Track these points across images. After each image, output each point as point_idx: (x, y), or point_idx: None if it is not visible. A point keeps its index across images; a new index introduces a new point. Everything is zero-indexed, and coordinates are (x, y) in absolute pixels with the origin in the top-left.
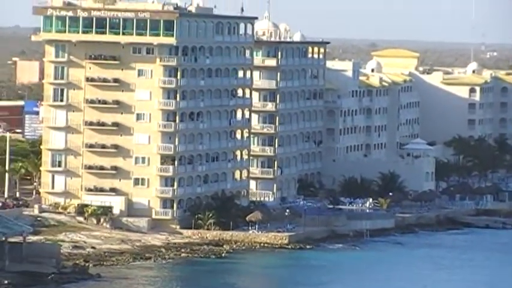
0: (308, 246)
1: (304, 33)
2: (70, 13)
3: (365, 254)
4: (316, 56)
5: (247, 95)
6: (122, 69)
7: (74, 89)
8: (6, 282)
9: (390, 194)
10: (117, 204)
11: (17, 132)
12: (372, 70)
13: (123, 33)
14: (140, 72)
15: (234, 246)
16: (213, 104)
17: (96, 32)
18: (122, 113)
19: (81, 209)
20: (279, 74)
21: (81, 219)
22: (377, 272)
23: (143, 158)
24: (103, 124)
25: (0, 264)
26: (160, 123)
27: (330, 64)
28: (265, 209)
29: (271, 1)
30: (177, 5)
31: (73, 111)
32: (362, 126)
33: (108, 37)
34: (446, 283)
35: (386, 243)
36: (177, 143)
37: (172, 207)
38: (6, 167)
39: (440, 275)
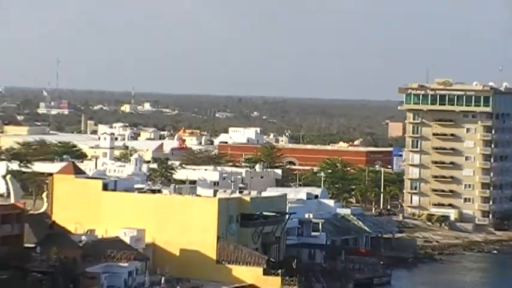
0: None
1: None
2: (422, 92)
3: None
4: None
5: None
6: (456, 128)
7: (425, 140)
8: (382, 263)
9: None
10: (452, 214)
11: (388, 168)
12: None
13: (457, 105)
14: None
15: None
16: None
17: (439, 104)
18: None
19: (429, 217)
20: None
21: (429, 223)
22: None
23: None
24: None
25: (377, 251)
26: None
27: None
28: None
29: None
30: None
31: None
32: None
33: (446, 107)
34: None
35: None
36: None
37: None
38: (381, 190)
39: None
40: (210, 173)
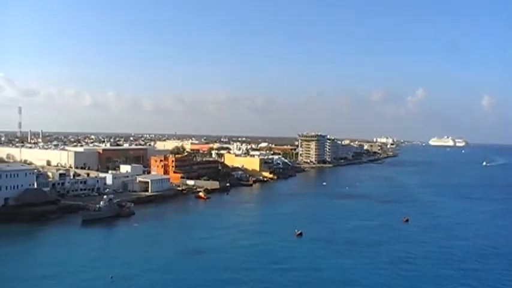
0: None
1: None
2: (302, 134)
3: None
4: None
5: None
6: (309, 143)
7: (300, 146)
8: (293, 171)
9: None
10: (309, 161)
11: (296, 151)
12: None
13: (310, 137)
14: None
15: None
16: None
17: (306, 137)
18: None
19: (304, 161)
20: None
21: (302, 163)
22: None
23: None
24: None
25: (293, 169)
26: None
27: None
28: None
29: None
30: None
31: None
32: None
33: (307, 138)
34: None
35: None
36: None
37: (316, 161)
38: (294, 156)
39: None
40: (258, 152)
